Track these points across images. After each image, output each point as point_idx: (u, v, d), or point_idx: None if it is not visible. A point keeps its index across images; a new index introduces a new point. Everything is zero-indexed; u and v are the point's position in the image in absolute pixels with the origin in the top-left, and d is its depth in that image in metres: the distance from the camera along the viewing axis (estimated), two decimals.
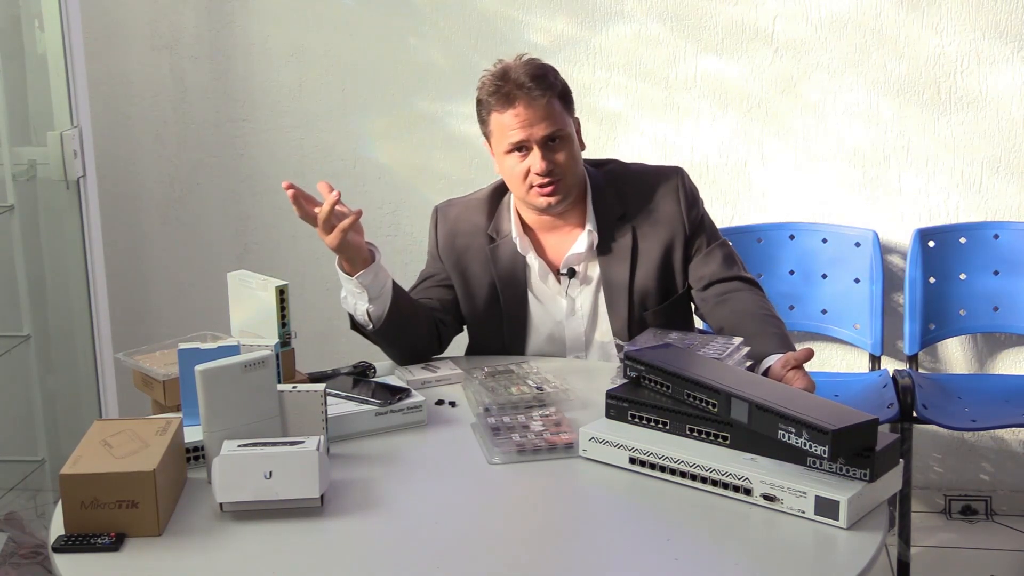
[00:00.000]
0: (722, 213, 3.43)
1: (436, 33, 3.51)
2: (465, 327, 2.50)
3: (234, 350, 1.93)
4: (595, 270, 2.40)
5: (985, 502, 3.49)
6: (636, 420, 1.88)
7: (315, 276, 3.57)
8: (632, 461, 1.82)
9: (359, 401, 2.05)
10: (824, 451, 1.63)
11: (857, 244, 3.37)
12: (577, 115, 2.39)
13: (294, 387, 1.87)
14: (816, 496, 1.64)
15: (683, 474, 1.77)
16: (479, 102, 2.34)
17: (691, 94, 3.42)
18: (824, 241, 3.41)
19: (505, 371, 2.23)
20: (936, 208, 3.38)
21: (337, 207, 2.11)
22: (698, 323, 2.52)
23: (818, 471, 1.69)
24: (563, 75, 2.35)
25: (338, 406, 2.02)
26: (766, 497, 1.69)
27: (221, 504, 1.70)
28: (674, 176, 2.42)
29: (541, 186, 2.31)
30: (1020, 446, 3.49)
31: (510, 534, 1.71)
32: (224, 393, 1.78)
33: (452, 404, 2.15)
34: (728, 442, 1.78)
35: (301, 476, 1.69)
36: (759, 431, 1.72)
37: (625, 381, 1.96)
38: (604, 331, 2.41)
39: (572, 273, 2.40)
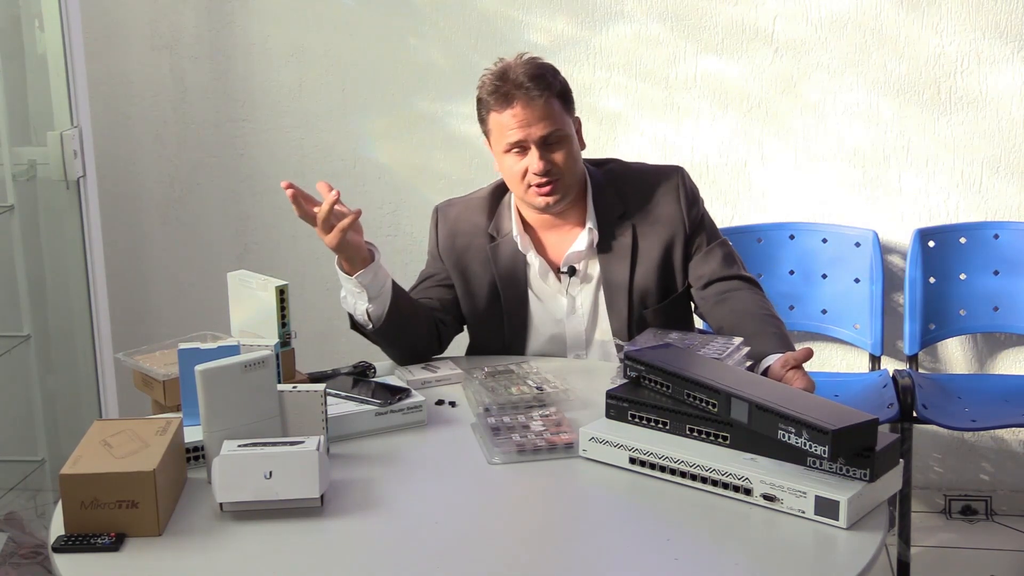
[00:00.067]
0: (722, 213, 3.44)
1: (436, 33, 3.51)
2: (465, 327, 2.50)
3: (234, 350, 1.93)
4: (595, 268, 2.40)
5: (985, 502, 3.49)
6: (636, 420, 1.88)
7: (315, 276, 3.57)
8: (632, 461, 1.82)
9: (359, 401, 2.05)
10: (824, 451, 1.63)
11: (857, 244, 3.37)
12: (577, 115, 2.39)
13: (294, 387, 1.87)
14: (816, 496, 1.64)
15: (683, 474, 1.77)
16: (479, 101, 2.35)
17: (691, 94, 3.42)
18: (824, 241, 3.41)
19: (505, 371, 2.23)
20: (936, 208, 3.38)
21: (336, 207, 2.11)
22: (698, 322, 2.52)
23: (818, 471, 1.69)
24: (563, 75, 2.35)
25: (338, 406, 2.02)
26: (766, 497, 1.69)
27: (221, 504, 1.70)
28: (674, 175, 2.42)
29: (539, 186, 2.31)
30: (1020, 446, 3.49)
31: (510, 534, 1.71)
32: (224, 393, 1.78)
33: (452, 404, 2.15)
34: (728, 442, 1.78)
35: (301, 476, 1.69)
36: (759, 431, 1.72)
37: (625, 381, 1.96)
38: (604, 330, 2.41)
39: (572, 271, 2.40)
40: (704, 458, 1.75)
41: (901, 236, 3.39)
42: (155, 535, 1.65)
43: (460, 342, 2.52)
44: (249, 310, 2.24)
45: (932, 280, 3.34)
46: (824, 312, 3.40)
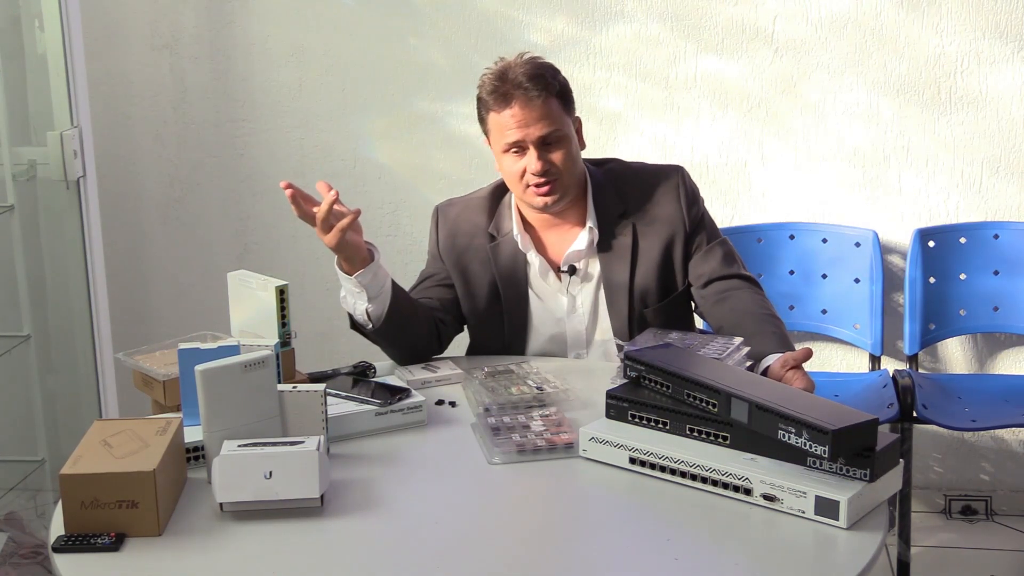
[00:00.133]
0: (722, 213, 3.43)
1: (436, 33, 3.51)
2: (465, 327, 2.50)
3: (234, 350, 1.93)
4: (595, 267, 2.40)
5: (985, 502, 3.49)
6: (636, 420, 1.88)
7: (315, 276, 3.57)
8: (632, 461, 1.82)
9: (359, 401, 2.05)
10: (824, 451, 1.63)
11: (857, 244, 3.37)
12: (577, 114, 2.39)
13: (294, 387, 1.87)
14: (816, 496, 1.64)
15: (683, 474, 1.77)
16: (479, 100, 2.35)
17: (691, 94, 3.42)
18: (824, 241, 3.41)
19: (505, 371, 2.23)
20: (936, 208, 3.38)
21: (336, 206, 2.11)
22: (698, 322, 2.52)
23: (818, 471, 1.69)
24: (564, 75, 2.35)
25: (338, 406, 2.02)
26: (766, 497, 1.69)
27: (221, 504, 1.70)
28: (674, 174, 2.42)
29: (538, 185, 2.31)
30: (1020, 446, 3.49)
31: (510, 534, 1.71)
32: (224, 393, 1.78)
33: (452, 404, 2.15)
34: (728, 442, 1.78)
35: (301, 476, 1.69)
36: (759, 431, 1.72)
37: (625, 381, 1.96)
38: (604, 329, 2.41)
39: (572, 270, 2.40)
40: (704, 458, 1.75)
41: (901, 236, 3.39)
42: (155, 535, 1.65)
43: (460, 342, 2.52)
44: (249, 310, 2.24)
45: (932, 280, 3.34)
46: (824, 312, 3.40)
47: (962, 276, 3.35)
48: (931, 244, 3.33)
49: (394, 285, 2.29)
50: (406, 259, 3.48)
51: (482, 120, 2.36)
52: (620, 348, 2.14)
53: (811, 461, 1.70)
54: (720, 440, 1.79)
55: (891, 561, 3.10)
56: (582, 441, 1.88)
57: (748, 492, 1.70)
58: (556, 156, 2.30)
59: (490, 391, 2.11)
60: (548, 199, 2.33)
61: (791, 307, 3.39)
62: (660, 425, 1.85)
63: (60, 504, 1.66)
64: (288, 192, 2.12)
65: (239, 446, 1.71)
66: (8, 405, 3.30)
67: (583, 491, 1.83)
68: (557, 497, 1.83)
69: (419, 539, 1.66)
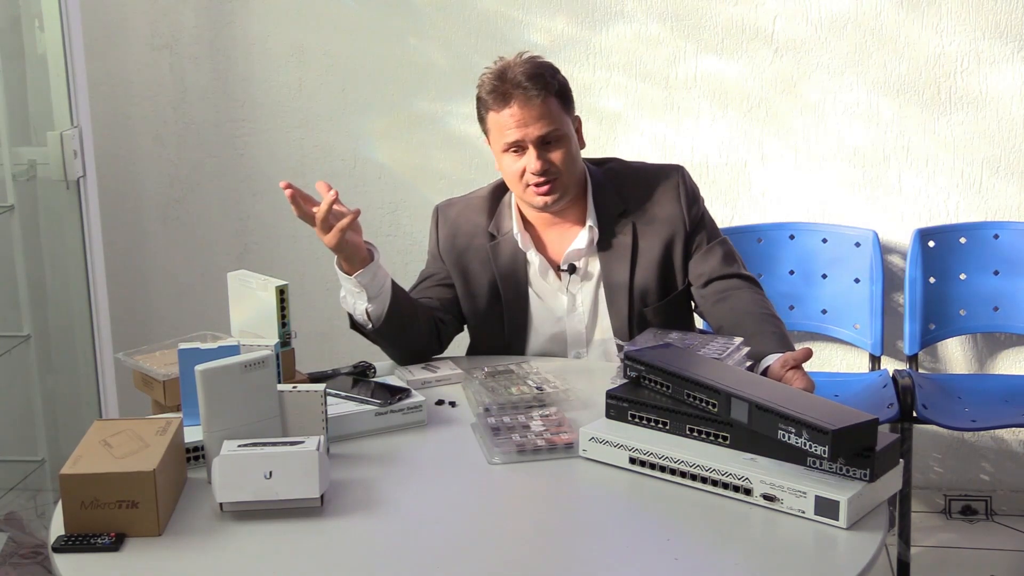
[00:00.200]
0: (722, 213, 3.43)
1: (436, 33, 3.51)
2: (465, 327, 2.50)
3: (234, 350, 1.93)
4: (595, 266, 2.40)
5: (985, 502, 3.49)
6: (636, 420, 1.88)
7: (315, 276, 3.57)
8: (632, 461, 1.82)
9: (359, 401, 2.05)
10: (824, 451, 1.63)
11: (857, 244, 3.37)
12: (577, 114, 2.39)
13: (294, 387, 1.87)
14: (816, 496, 1.64)
15: (683, 474, 1.77)
16: (478, 100, 2.35)
17: (691, 94, 3.42)
18: (824, 241, 3.40)
19: (505, 371, 2.23)
20: (936, 208, 3.38)
21: (335, 206, 2.11)
22: (698, 321, 2.52)
23: (818, 471, 1.69)
24: (563, 74, 2.35)
25: (338, 406, 2.02)
26: (766, 497, 1.69)
27: (221, 504, 1.70)
28: (675, 174, 2.42)
29: (537, 185, 2.31)
30: (1020, 446, 3.49)
31: (510, 534, 1.71)
32: (224, 393, 1.78)
33: (452, 404, 2.15)
34: (728, 442, 1.78)
35: (301, 476, 1.69)
36: (759, 431, 1.72)
37: (625, 381, 1.96)
38: (604, 328, 2.41)
39: (572, 269, 2.40)
40: (704, 458, 1.75)
41: (901, 236, 3.39)
42: (155, 535, 1.65)
43: (460, 342, 2.52)
44: (249, 310, 2.24)
45: (932, 280, 3.34)
46: (824, 312, 3.40)
47: (962, 276, 3.35)
48: (931, 244, 3.33)
49: (394, 285, 2.29)
50: (406, 259, 3.48)
51: (482, 120, 2.37)
52: (620, 348, 2.14)
53: (811, 461, 1.70)
54: (720, 440, 1.79)
55: (891, 561, 3.10)
56: (582, 441, 1.88)
57: (748, 492, 1.70)
58: (556, 155, 2.31)
59: (490, 391, 2.11)
60: (548, 198, 2.33)
61: (791, 307, 3.39)
62: (660, 425, 1.85)
63: (60, 504, 1.66)
64: (288, 192, 2.12)
65: (239, 446, 1.71)
66: (8, 405, 3.30)
67: (583, 491, 1.83)
68: (557, 497, 1.83)
69: (419, 539, 1.66)
